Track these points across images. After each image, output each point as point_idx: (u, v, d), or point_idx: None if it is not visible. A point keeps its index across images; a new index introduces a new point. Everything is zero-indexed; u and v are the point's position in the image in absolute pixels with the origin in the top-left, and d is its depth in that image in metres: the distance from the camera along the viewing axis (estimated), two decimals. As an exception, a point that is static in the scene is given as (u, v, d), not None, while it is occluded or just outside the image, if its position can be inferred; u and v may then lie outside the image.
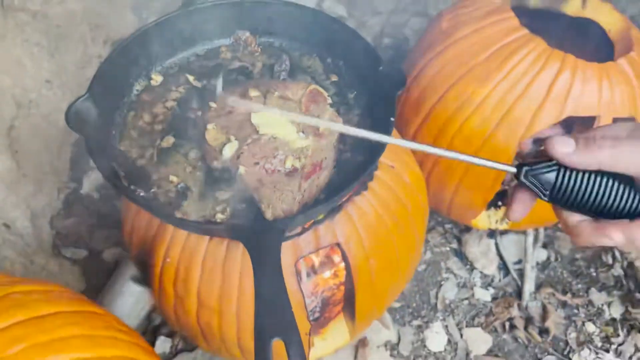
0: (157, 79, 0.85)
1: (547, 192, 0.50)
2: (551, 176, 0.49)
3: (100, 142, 0.71)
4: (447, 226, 1.18)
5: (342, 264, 0.81)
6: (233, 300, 0.71)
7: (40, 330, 0.55)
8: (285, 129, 0.74)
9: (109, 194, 1.20)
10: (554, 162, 0.49)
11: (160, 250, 0.73)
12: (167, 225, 0.74)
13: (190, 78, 0.85)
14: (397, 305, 1.07)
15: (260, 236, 0.61)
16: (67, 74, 1.18)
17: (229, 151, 0.72)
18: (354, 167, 0.71)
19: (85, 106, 0.71)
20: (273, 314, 0.52)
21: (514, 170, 0.50)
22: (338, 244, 0.72)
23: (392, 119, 0.68)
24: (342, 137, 0.76)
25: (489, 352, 1.03)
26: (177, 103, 0.83)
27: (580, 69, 0.84)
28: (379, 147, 0.67)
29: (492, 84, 0.85)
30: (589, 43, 0.95)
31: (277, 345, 0.50)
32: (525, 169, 0.49)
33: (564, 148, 0.47)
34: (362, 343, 0.99)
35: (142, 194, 0.68)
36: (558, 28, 0.96)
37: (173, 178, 0.72)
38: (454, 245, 1.15)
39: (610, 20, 0.96)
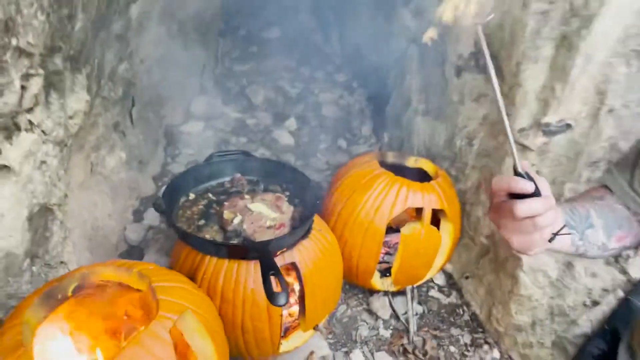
0: (192, 196, 1.60)
1: None
2: None
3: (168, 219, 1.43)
4: (360, 295, 1.86)
5: (297, 284, 1.48)
6: (240, 294, 1.35)
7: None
8: (266, 210, 1.49)
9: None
10: None
11: (200, 271, 1.39)
12: (204, 257, 1.41)
13: (210, 195, 1.61)
14: (331, 341, 1.69)
15: (263, 251, 1.31)
16: (118, 212, 1.89)
17: (236, 221, 1.45)
18: (301, 226, 1.45)
19: (159, 202, 1.44)
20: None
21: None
22: (293, 263, 1.41)
23: (314, 216, 1.46)
24: (294, 215, 1.51)
25: (390, 361, 1.65)
26: (203, 206, 1.57)
27: (412, 186, 1.67)
28: (310, 219, 1.42)
29: (369, 194, 1.66)
30: (418, 176, 1.80)
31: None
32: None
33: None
34: (310, 354, 1.59)
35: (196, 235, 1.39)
36: (403, 171, 1.82)
37: (206, 236, 1.44)
38: (365, 305, 1.82)
39: (429, 167, 1.83)
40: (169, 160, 2.28)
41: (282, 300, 1.15)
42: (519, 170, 0.89)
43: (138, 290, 1.16)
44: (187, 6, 2.39)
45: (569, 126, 1.48)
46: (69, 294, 1.12)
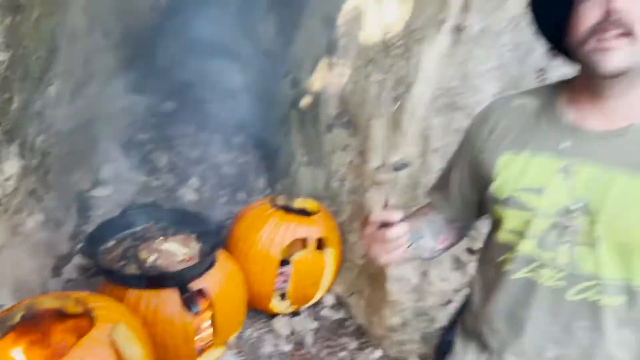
0: (111, 243, 1.88)
1: None
2: None
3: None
4: (263, 319, 2.18)
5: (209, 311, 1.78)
6: (159, 317, 1.63)
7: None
8: (177, 248, 1.81)
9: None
10: None
11: (124, 302, 1.65)
12: (127, 289, 1.67)
13: (127, 242, 1.90)
14: (241, 358, 1.98)
15: (178, 277, 1.62)
16: (39, 269, 2.08)
17: (152, 258, 1.76)
18: (207, 257, 1.78)
19: (85, 248, 1.72)
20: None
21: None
22: (201, 289, 1.72)
23: (216, 250, 1.80)
24: (201, 249, 1.84)
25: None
26: (122, 251, 1.86)
27: (298, 221, 2.06)
28: (214, 251, 1.76)
29: (263, 230, 2.02)
30: (304, 214, 2.20)
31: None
32: None
33: None
34: (223, 368, 1.87)
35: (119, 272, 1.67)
36: (292, 210, 2.21)
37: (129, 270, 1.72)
38: (268, 327, 2.14)
39: (312, 206, 2.24)
40: (82, 222, 2.50)
41: (195, 309, 1.47)
42: (390, 205, 1.25)
43: (75, 316, 1.43)
44: (92, 83, 2.70)
45: (407, 164, 1.97)
46: (16, 322, 1.35)
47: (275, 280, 2.08)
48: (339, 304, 2.34)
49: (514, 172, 1.20)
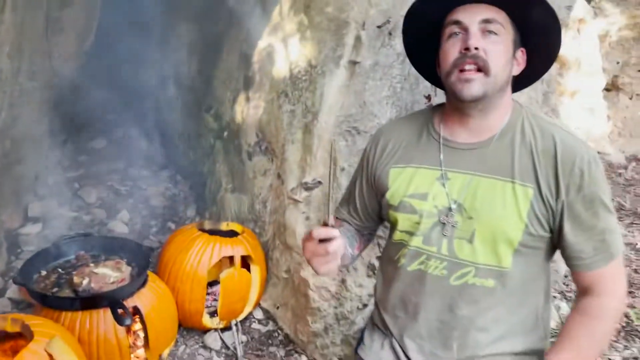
0: (44, 272, 1.99)
1: None
2: None
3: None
4: (196, 336, 2.32)
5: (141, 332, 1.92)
6: (94, 336, 1.75)
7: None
8: (109, 271, 1.95)
9: None
10: None
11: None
12: (61, 312, 1.78)
13: (60, 270, 2.01)
14: (175, 374, 2.11)
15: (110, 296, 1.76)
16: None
17: (85, 282, 1.88)
18: (137, 278, 1.93)
19: (18, 278, 1.83)
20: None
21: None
22: (136, 306, 1.85)
23: (146, 271, 1.96)
24: (132, 272, 1.98)
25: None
26: (55, 279, 1.97)
27: (223, 241, 2.24)
28: (144, 272, 1.91)
29: (191, 251, 2.19)
30: (229, 235, 2.39)
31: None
32: None
33: None
34: (158, 383, 1.99)
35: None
36: (219, 233, 2.39)
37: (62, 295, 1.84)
38: (200, 343, 2.29)
39: (237, 228, 2.43)
40: (13, 259, 2.56)
41: (127, 321, 1.61)
42: (330, 223, 1.39)
43: (13, 337, 1.54)
44: (18, 124, 2.79)
45: (320, 182, 2.21)
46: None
47: (205, 299, 2.24)
48: (267, 317, 2.52)
49: (403, 182, 1.48)
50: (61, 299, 1.76)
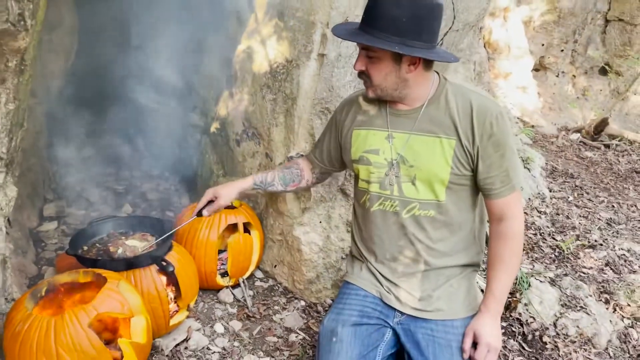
0: (85, 248, 2.41)
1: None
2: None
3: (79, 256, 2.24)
4: (211, 295, 2.76)
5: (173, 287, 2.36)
6: (138, 291, 2.18)
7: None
8: (138, 242, 2.38)
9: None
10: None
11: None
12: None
13: (97, 245, 2.43)
14: (199, 322, 2.55)
15: (152, 256, 2.20)
16: (17, 286, 2.51)
17: (120, 251, 2.32)
18: (167, 242, 2.37)
19: (69, 250, 2.25)
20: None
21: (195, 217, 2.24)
22: (164, 259, 2.30)
23: (171, 236, 2.41)
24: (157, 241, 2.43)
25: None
26: (95, 252, 2.39)
27: (228, 212, 2.69)
28: (169, 237, 2.35)
29: (203, 221, 2.63)
30: (230, 208, 2.84)
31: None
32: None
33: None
34: (188, 328, 2.43)
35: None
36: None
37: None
38: (215, 299, 2.73)
39: (235, 202, 2.89)
40: (39, 250, 2.93)
41: (170, 268, 2.07)
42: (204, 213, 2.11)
43: (84, 288, 1.96)
44: (28, 137, 3.15)
45: (302, 155, 2.70)
46: (43, 294, 1.87)
47: (217, 263, 2.70)
48: (267, 276, 2.99)
49: (361, 141, 2.00)
50: (111, 262, 2.18)
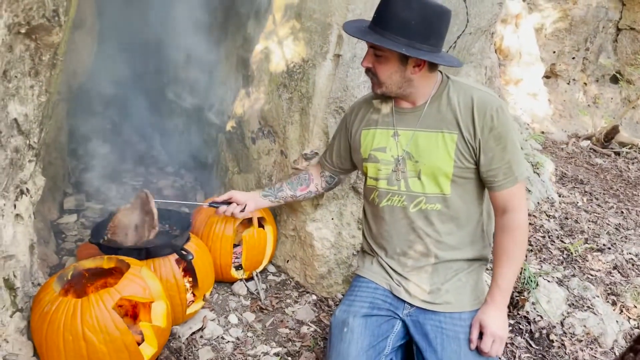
0: (105, 237, 2.49)
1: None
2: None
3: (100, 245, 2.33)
4: (225, 287, 2.84)
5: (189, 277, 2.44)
6: (157, 280, 2.26)
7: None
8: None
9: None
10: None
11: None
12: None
13: (118, 235, 2.52)
14: (214, 313, 2.62)
15: (172, 245, 2.29)
16: (41, 274, 2.60)
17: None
18: (185, 233, 2.45)
19: (92, 239, 2.34)
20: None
21: (207, 205, 2.33)
22: (184, 248, 2.37)
23: (190, 227, 2.49)
24: (176, 231, 2.50)
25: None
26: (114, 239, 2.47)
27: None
28: (188, 229, 2.44)
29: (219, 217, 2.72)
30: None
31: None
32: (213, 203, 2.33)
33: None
34: (204, 318, 2.51)
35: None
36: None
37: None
38: (230, 291, 2.81)
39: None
40: (60, 242, 3.03)
41: (190, 256, 2.15)
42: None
43: (107, 275, 2.05)
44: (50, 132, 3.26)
45: (316, 153, 2.78)
46: (69, 277, 1.96)
47: (232, 256, 2.77)
48: (279, 271, 3.07)
49: (370, 140, 2.08)
50: (132, 250, 2.26)
